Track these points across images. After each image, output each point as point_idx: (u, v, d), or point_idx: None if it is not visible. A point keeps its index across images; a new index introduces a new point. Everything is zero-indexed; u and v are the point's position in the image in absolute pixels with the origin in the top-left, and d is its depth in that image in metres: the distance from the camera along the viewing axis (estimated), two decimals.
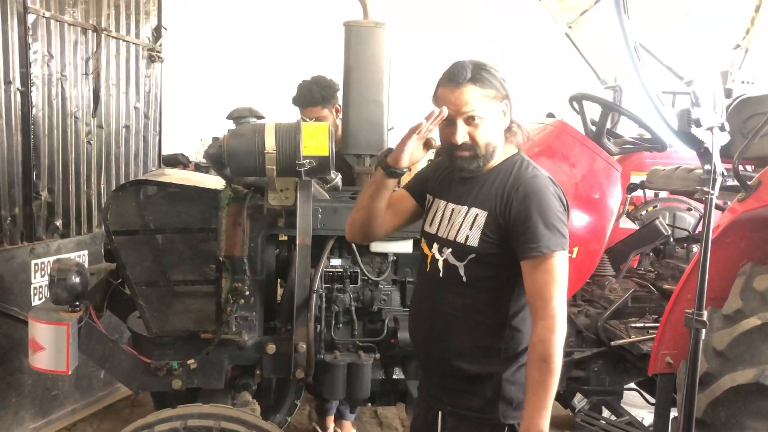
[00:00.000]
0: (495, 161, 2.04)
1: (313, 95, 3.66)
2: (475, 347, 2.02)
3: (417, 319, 2.21)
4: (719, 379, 2.58)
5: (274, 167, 2.55)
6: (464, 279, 2.01)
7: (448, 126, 1.98)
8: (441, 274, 2.06)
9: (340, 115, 3.83)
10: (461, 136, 1.96)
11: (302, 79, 3.79)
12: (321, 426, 4.12)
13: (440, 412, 2.13)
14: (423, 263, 2.16)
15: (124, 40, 4.44)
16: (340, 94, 3.78)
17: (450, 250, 2.04)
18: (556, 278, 1.89)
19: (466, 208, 2.03)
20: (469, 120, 1.95)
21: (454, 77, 1.95)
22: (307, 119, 3.64)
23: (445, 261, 2.05)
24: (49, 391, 3.93)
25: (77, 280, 2.59)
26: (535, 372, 1.86)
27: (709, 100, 2.03)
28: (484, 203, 2.00)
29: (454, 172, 2.10)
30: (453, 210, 2.07)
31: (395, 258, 2.97)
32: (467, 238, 2.00)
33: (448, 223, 2.07)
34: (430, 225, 2.15)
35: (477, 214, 1.99)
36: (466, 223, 2.01)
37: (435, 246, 2.10)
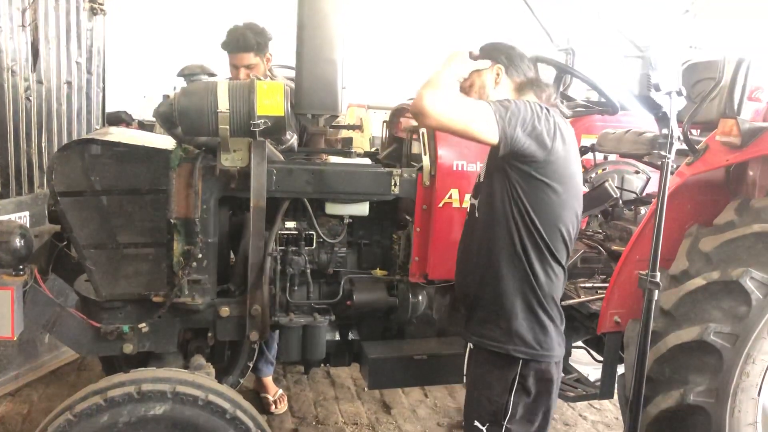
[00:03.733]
0: None
1: (247, 40, 3.52)
2: (494, 277, 2.20)
3: (457, 261, 2.45)
4: (665, 336, 2.67)
5: (228, 127, 2.48)
6: (477, 215, 2.28)
7: None
8: (468, 217, 2.39)
9: (276, 70, 3.74)
10: None
11: (233, 24, 3.65)
12: (263, 390, 4.11)
13: (468, 348, 2.34)
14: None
15: None
16: (271, 44, 3.69)
17: (473, 192, 2.38)
18: (469, 101, 2.09)
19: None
20: (462, 89, 2.30)
21: None
22: (237, 66, 3.54)
23: (471, 203, 2.37)
24: None
25: (21, 242, 2.48)
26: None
27: (667, 65, 2.06)
28: None
29: None
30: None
31: (351, 220, 2.95)
32: (479, 176, 2.34)
33: (482, 178, 2.35)
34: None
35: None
36: (482, 167, 2.33)
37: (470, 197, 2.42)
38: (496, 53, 2.32)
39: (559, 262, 2.22)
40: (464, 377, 2.39)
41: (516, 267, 2.18)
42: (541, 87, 2.30)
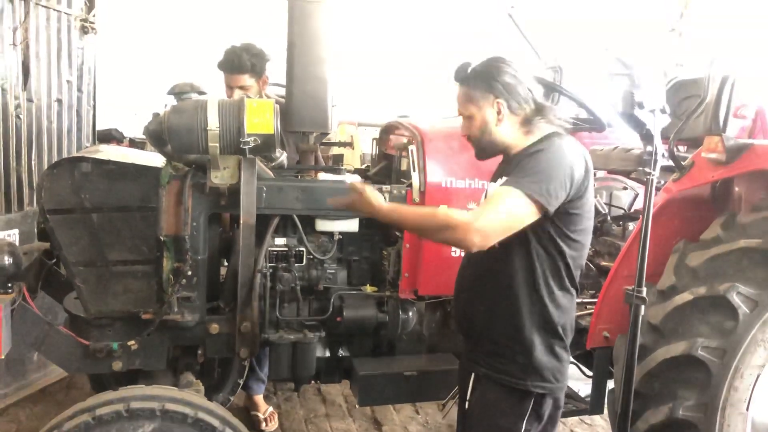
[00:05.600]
0: (528, 142, 2.19)
1: (242, 62, 3.50)
2: (510, 314, 2.14)
3: (460, 286, 2.39)
4: (654, 351, 2.68)
5: (217, 145, 2.49)
6: (496, 245, 2.07)
7: None
8: None
9: (267, 88, 3.76)
10: (463, 129, 2.28)
11: (231, 44, 3.63)
12: (254, 408, 4.08)
13: (473, 374, 2.28)
14: None
15: (54, 10, 4.24)
16: (268, 65, 3.70)
17: None
18: (502, 203, 1.97)
19: (498, 181, 2.19)
20: (466, 118, 2.25)
21: (454, 77, 2.26)
22: (232, 87, 3.55)
23: None
24: None
25: (9, 260, 2.48)
26: (426, 209, 2.15)
27: (651, 84, 2.09)
28: (508, 173, 2.14)
29: (499, 165, 2.37)
30: (491, 187, 2.29)
31: (341, 237, 2.96)
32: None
33: (485, 198, 2.28)
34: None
35: (502, 183, 2.15)
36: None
37: None
38: (493, 83, 2.16)
39: (576, 287, 2.21)
40: (466, 402, 2.34)
41: (535, 303, 2.14)
42: (549, 110, 2.22)
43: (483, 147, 2.27)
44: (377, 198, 2.14)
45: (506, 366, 2.17)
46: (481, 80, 2.18)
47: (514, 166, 2.14)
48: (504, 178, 2.17)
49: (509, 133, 2.21)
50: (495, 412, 2.20)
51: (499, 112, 2.18)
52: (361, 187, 2.18)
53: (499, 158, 2.35)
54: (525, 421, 2.16)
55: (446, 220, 1.97)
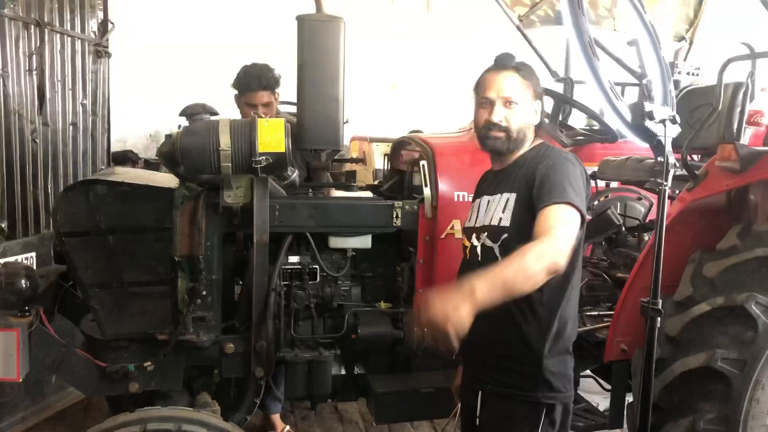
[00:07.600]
0: (523, 150, 2.23)
1: (267, 79, 3.60)
2: (515, 326, 2.11)
3: None
4: (672, 364, 2.65)
5: (230, 164, 2.50)
6: (500, 259, 2.10)
7: (485, 107, 2.21)
8: (479, 258, 2.21)
9: (278, 105, 3.82)
10: (498, 115, 2.17)
11: (243, 65, 3.71)
12: (271, 427, 4.08)
13: (480, 392, 2.25)
14: (464, 255, 2.34)
15: (68, 35, 4.30)
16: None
17: (486, 233, 2.20)
18: (564, 220, 1.97)
19: (498, 195, 2.21)
20: (507, 103, 2.17)
21: (500, 62, 2.21)
22: (256, 104, 3.60)
23: (482, 245, 2.21)
24: None
25: (27, 283, 2.51)
26: (508, 261, 1.93)
27: (661, 93, 2.08)
28: (512, 187, 2.17)
29: (488, 175, 2.37)
30: (488, 201, 2.26)
31: (354, 254, 2.96)
32: (500, 220, 2.16)
33: (485, 212, 2.25)
34: (469, 221, 2.35)
35: (508, 198, 2.17)
36: (498, 208, 2.19)
37: (473, 236, 2.27)
38: (538, 82, 2.26)
39: (577, 291, 2.21)
40: (476, 419, 2.30)
41: (542, 313, 2.11)
42: (541, 127, 2.31)
43: (517, 140, 2.21)
44: (464, 303, 1.87)
45: (514, 380, 2.14)
46: (532, 75, 2.23)
47: (521, 177, 2.16)
48: (506, 194, 2.18)
49: (529, 132, 2.25)
50: (508, 424, 2.18)
51: (536, 111, 2.25)
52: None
53: (480, 169, 2.40)
54: (540, 429, 2.13)
55: (534, 252, 1.89)
